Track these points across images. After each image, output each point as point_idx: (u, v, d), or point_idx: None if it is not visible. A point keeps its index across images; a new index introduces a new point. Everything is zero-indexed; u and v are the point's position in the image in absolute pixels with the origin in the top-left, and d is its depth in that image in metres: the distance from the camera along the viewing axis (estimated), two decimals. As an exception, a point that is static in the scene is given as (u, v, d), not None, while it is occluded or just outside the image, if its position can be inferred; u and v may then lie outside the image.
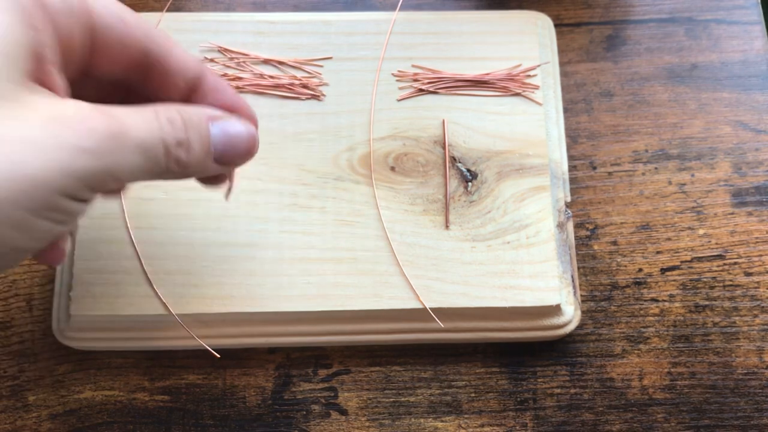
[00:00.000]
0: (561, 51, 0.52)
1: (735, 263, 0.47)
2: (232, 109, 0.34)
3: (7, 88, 0.26)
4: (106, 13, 0.30)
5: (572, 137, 0.50)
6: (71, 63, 0.30)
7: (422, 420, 0.44)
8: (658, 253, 0.48)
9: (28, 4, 0.27)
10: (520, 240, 0.45)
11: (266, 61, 0.49)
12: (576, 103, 0.51)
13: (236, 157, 0.34)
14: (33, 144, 0.25)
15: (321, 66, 0.49)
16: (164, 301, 0.43)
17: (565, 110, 0.50)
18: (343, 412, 0.45)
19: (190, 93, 0.33)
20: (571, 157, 0.49)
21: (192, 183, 0.46)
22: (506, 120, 0.48)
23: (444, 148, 0.47)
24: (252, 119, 0.35)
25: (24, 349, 0.45)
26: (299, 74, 0.49)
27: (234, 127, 0.33)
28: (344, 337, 0.45)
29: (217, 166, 0.33)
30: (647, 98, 0.51)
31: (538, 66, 0.49)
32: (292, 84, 0.49)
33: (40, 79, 0.28)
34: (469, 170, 0.47)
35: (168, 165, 0.30)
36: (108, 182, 0.28)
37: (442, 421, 0.44)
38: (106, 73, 0.32)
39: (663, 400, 0.45)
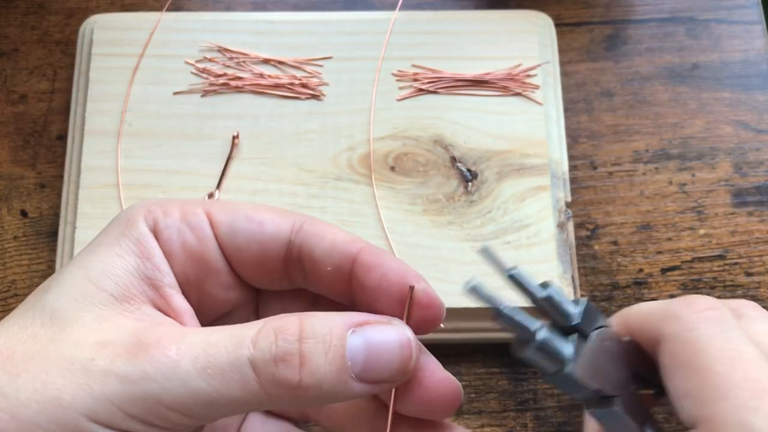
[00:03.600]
0: (561, 51, 0.52)
1: (736, 263, 0.47)
2: (394, 293, 0.28)
3: (76, 310, 0.25)
4: (226, 220, 0.28)
5: (572, 137, 0.50)
6: (205, 278, 0.28)
7: (422, 420, 0.44)
8: (658, 253, 0.47)
9: (140, 236, 0.27)
10: (521, 240, 0.45)
11: (266, 61, 0.49)
12: (576, 103, 0.51)
13: (382, 373, 0.26)
14: (68, 365, 0.24)
15: (321, 66, 0.49)
16: (164, 301, 0.43)
17: (566, 110, 0.50)
18: (343, 412, 0.45)
19: (348, 282, 0.28)
20: (571, 157, 0.49)
21: (191, 183, 0.47)
22: (506, 120, 0.48)
23: (444, 148, 0.47)
24: (427, 304, 0.28)
25: (23, 350, 0.45)
26: (299, 74, 0.49)
27: (380, 333, 0.26)
28: (344, 337, 0.45)
29: (363, 386, 0.25)
30: (648, 98, 0.51)
31: (539, 66, 0.49)
32: (292, 84, 0.49)
33: (158, 303, 0.27)
34: (469, 170, 0.47)
35: (266, 389, 0.24)
36: (161, 411, 0.24)
37: (442, 422, 0.44)
38: (257, 279, 0.29)
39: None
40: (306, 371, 0.24)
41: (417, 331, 0.27)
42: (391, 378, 0.26)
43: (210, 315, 0.29)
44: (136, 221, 0.27)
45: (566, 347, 0.26)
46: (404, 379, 0.27)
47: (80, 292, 0.26)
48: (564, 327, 0.27)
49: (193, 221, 0.28)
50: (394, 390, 0.27)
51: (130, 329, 0.25)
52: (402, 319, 0.27)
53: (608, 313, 0.46)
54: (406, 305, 0.27)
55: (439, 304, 0.28)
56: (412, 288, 0.27)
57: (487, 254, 0.27)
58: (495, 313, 0.26)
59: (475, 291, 0.26)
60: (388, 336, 0.26)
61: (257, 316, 0.31)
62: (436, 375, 0.27)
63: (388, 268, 0.28)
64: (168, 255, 0.27)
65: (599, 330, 0.27)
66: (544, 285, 0.27)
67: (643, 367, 0.29)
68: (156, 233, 0.27)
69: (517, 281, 0.27)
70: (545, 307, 0.26)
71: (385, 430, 0.28)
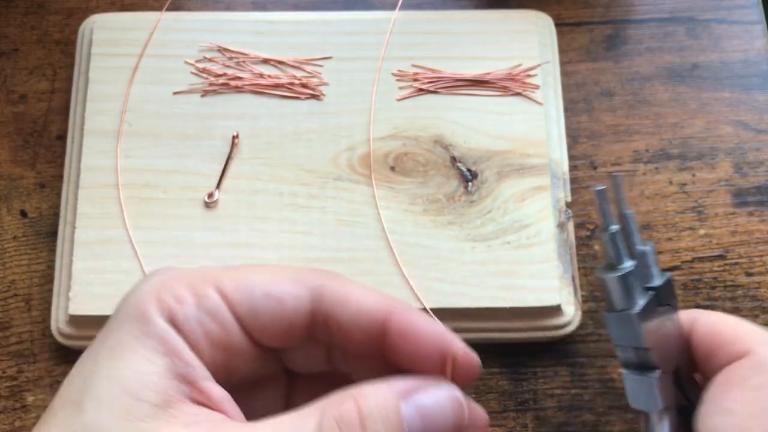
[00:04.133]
0: (561, 50, 0.52)
1: (736, 263, 0.47)
2: (432, 357, 0.27)
3: (123, 429, 0.24)
4: (244, 301, 0.27)
5: (572, 137, 0.50)
6: (231, 359, 0.27)
7: (422, 420, 0.44)
8: (658, 253, 0.47)
9: (162, 332, 0.26)
10: (521, 240, 0.45)
11: (266, 61, 0.49)
12: (576, 103, 0.51)
13: None
14: None
15: (321, 66, 0.49)
16: (163, 301, 0.43)
17: (566, 110, 0.50)
18: (343, 412, 0.45)
19: (379, 344, 0.28)
20: (571, 157, 0.49)
21: (191, 182, 0.46)
22: (506, 120, 0.48)
23: (444, 147, 0.47)
24: (467, 366, 0.27)
25: (23, 350, 0.45)
26: (299, 74, 0.49)
27: (430, 397, 0.26)
28: (344, 337, 0.45)
29: None
30: (648, 98, 0.51)
31: (539, 66, 0.49)
32: (291, 84, 0.49)
33: (196, 398, 0.26)
34: (469, 170, 0.47)
35: None
36: None
37: (442, 422, 0.44)
38: (281, 346, 0.29)
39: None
40: None
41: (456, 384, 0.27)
42: None
43: (235, 380, 0.28)
44: (151, 317, 0.26)
45: (641, 296, 0.27)
46: None
47: (121, 407, 0.24)
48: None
49: (211, 307, 0.26)
50: None
51: None
52: (444, 377, 0.27)
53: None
54: (448, 372, 0.27)
55: (476, 362, 0.28)
56: (454, 359, 0.27)
57: (612, 184, 0.29)
58: (603, 228, 0.28)
59: (601, 195, 0.29)
60: (439, 400, 0.26)
61: (280, 366, 0.30)
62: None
63: (424, 334, 0.27)
64: (193, 346, 0.26)
65: (669, 307, 0.28)
66: (645, 242, 0.29)
67: (685, 363, 0.30)
68: (176, 325, 0.26)
69: (625, 223, 0.29)
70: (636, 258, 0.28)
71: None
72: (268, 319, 0.27)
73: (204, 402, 0.26)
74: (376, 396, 0.25)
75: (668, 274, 0.28)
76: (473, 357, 0.27)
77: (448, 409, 0.26)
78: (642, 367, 0.28)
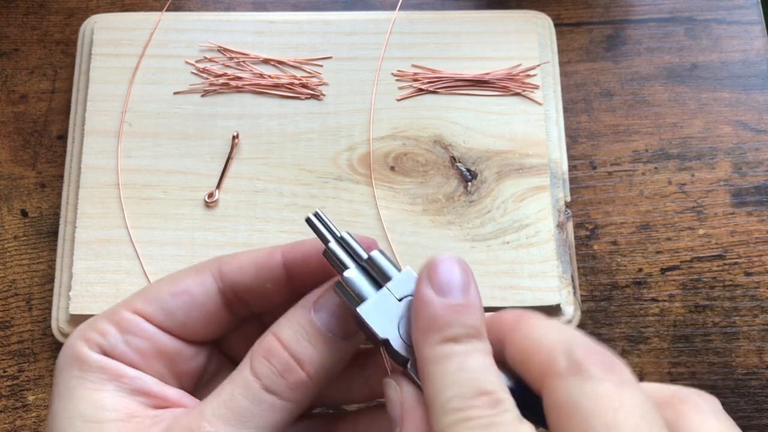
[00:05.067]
0: (561, 51, 0.52)
1: (735, 263, 0.47)
2: (323, 268, 0.29)
3: None
4: (156, 309, 0.29)
5: (572, 137, 0.50)
6: (171, 361, 0.29)
7: (422, 420, 0.44)
8: (658, 253, 0.48)
9: (98, 363, 0.28)
10: (520, 240, 0.45)
11: (266, 61, 0.49)
12: (576, 103, 0.51)
13: (350, 319, 0.28)
14: None
15: (321, 66, 0.49)
16: (164, 300, 0.43)
17: (565, 110, 0.50)
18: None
19: (288, 286, 0.30)
20: (571, 157, 0.49)
21: (191, 182, 0.47)
22: (506, 120, 0.48)
23: (444, 147, 0.47)
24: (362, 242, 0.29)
25: (23, 349, 0.45)
26: (299, 74, 0.49)
27: (332, 296, 0.28)
28: (344, 336, 0.45)
29: (349, 341, 0.28)
30: (647, 98, 0.51)
31: (538, 66, 0.49)
32: (292, 83, 0.49)
33: (156, 404, 0.28)
34: (468, 170, 0.47)
35: (290, 399, 0.27)
36: None
37: (441, 421, 0.44)
38: (212, 334, 0.30)
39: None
40: (306, 364, 0.27)
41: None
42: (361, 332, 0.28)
43: (188, 382, 0.30)
44: (84, 354, 0.28)
45: (370, 292, 0.27)
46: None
47: None
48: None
49: (130, 327, 0.28)
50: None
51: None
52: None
53: (607, 312, 0.46)
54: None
55: (369, 238, 0.30)
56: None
57: (311, 222, 0.29)
58: (324, 250, 0.28)
59: (310, 222, 0.28)
60: (334, 297, 0.28)
61: (228, 358, 0.32)
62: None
63: (310, 249, 0.29)
64: (132, 365, 0.28)
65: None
66: (368, 249, 0.28)
67: None
68: (108, 354, 0.28)
69: (344, 245, 0.28)
70: (367, 268, 0.27)
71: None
72: (184, 314, 0.29)
73: (163, 404, 0.28)
74: (288, 319, 0.28)
75: (407, 268, 0.27)
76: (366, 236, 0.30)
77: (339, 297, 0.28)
78: (394, 358, 0.28)
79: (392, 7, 0.52)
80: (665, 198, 0.49)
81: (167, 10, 0.51)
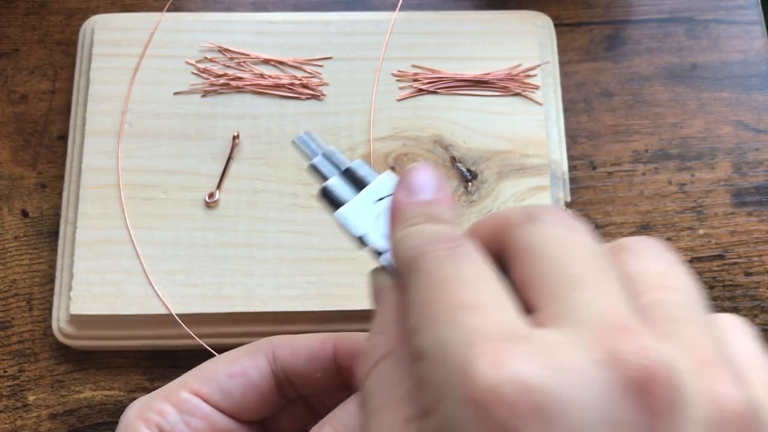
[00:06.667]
0: (561, 51, 0.52)
1: (735, 263, 0.47)
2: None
3: None
4: (214, 390, 0.30)
5: (572, 137, 0.50)
6: None
7: (422, 420, 0.44)
8: (658, 253, 0.48)
9: None
10: (520, 240, 0.45)
11: (266, 61, 0.49)
12: (576, 103, 0.51)
13: None
14: None
15: (321, 66, 0.49)
16: (164, 301, 0.43)
17: (565, 110, 0.50)
18: (343, 411, 0.45)
19: (338, 374, 0.31)
20: (571, 157, 0.49)
21: (192, 183, 0.47)
22: (506, 120, 0.48)
23: (444, 147, 0.47)
24: None
25: (24, 349, 0.45)
26: (299, 74, 0.49)
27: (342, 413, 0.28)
28: (344, 337, 0.45)
29: None
30: (647, 98, 0.51)
31: (538, 66, 0.49)
32: (292, 84, 0.49)
33: None
34: (469, 170, 0.47)
35: None
36: None
37: (442, 421, 0.44)
38: (261, 415, 0.31)
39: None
40: None
41: None
42: None
43: None
44: None
45: (349, 195, 0.27)
46: None
47: None
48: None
49: (189, 408, 0.29)
50: None
51: None
52: None
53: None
54: None
55: None
56: None
57: (298, 142, 0.28)
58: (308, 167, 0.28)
59: (297, 142, 0.28)
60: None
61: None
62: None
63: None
64: None
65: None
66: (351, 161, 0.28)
67: None
68: None
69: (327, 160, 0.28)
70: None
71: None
72: (240, 395, 0.30)
73: None
74: (344, 411, 0.27)
75: (387, 172, 0.28)
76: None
77: None
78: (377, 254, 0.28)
79: (392, 8, 0.52)
80: (665, 198, 0.49)
81: (168, 11, 0.51)
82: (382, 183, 0.27)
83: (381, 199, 0.27)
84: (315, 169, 0.28)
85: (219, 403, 0.30)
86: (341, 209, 0.27)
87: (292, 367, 0.30)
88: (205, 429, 0.29)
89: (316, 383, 0.30)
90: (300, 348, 0.30)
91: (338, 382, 0.30)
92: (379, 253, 0.26)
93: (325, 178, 0.28)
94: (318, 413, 0.32)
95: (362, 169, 0.28)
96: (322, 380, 0.30)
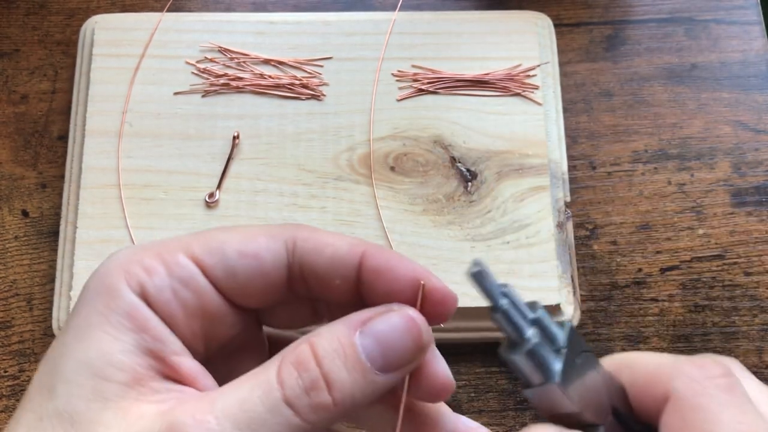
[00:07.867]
0: (561, 51, 0.52)
1: (734, 263, 0.47)
2: (407, 292, 0.26)
3: (94, 411, 0.24)
4: (218, 263, 0.26)
5: (572, 137, 0.50)
6: (209, 326, 0.27)
7: (422, 419, 0.44)
8: (657, 253, 0.48)
9: (129, 308, 0.25)
10: (520, 240, 0.45)
11: (266, 61, 0.49)
12: (576, 103, 0.51)
13: (402, 357, 0.25)
14: None
15: (321, 66, 0.49)
16: (164, 300, 0.43)
17: (565, 110, 0.50)
18: (343, 411, 0.45)
19: (358, 290, 0.27)
20: (570, 157, 0.49)
21: (192, 183, 0.47)
22: (506, 120, 0.48)
23: (444, 148, 0.47)
24: (440, 297, 0.27)
25: (24, 349, 0.46)
26: (299, 74, 0.49)
27: (384, 322, 0.25)
28: (344, 336, 0.45)
29: (388, 376, 0.25)
30: (647, 98, 0.51)
31: (538, 66, 0.49)
32: (292, 84, 0.49)
33: (167, 373, 0.25)
34: (468, 170, 0.47)
35: (307, 419, 0.24)
36: None
37: (441, 421, 0.44)
38: (260, 304, 0.28)
39: None
40: (335, 389, 0.24)
41: (431, 322, 0.26)
42: (411, 358, 0.26)
43: (215, 347, 0.28)
44: (118, 291, 0.25)
45: (555, 361, 0.25)
46: (424, 354, 0.26)
47: (91, 389, 0.24)
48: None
49: (183, 275, 0.25)
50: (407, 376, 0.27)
51: (155, 415, 0.24)
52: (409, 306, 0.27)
53: (607, 312, 0.47)
54: (418, 301, 0.26)
55: (452, 296, 0.27)
56: (422, 286, 0.26)
57: (478, 276, 0.25)
58: (492, 307, 0.25)
59: (477, 277, 0.25)
60: (393, 323, 0.25)
61: (261, 330, 0.30)
62: (435, 364, 0.27)
63: (396, 270, 0.26)
64: (167, 319, 0.25)
65: (585, 354, 0.26)
66: (533, 305, 0.26)
67: (622, 405, 0.29)
68: (146, 299, 0.25)
69: (510, 301, 0.26)
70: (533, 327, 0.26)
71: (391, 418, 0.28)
72: (246, 278, 0.26)
73: (176, 377, 0.25)
74: (330, 333, 0.25)
75: (568, 323, 0.26)
76: (447, 289, 0.27)
77: (403, 331, 0.25)
78: (583, 428, 0.27)
79: (392, 8, 0.52)
80: (665, 198, 0.49)
81: (168, 11, 0.51)
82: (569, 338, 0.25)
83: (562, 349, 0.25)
84: (501, 319, 0.25)
85: (219, 281, 0.26)
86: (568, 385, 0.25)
87: (311, 266, 0.26)
88: (194, 305, 0.25)
89: (331, 289, 0.27)
90: (325, 247, 0.26)
91: (354, 294, 0.27)
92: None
93: (518, 332, 0.25)
94: (321, 319, 0.29)
95: (548, 322, 0.25)
96: (338, 288, 0.27)
